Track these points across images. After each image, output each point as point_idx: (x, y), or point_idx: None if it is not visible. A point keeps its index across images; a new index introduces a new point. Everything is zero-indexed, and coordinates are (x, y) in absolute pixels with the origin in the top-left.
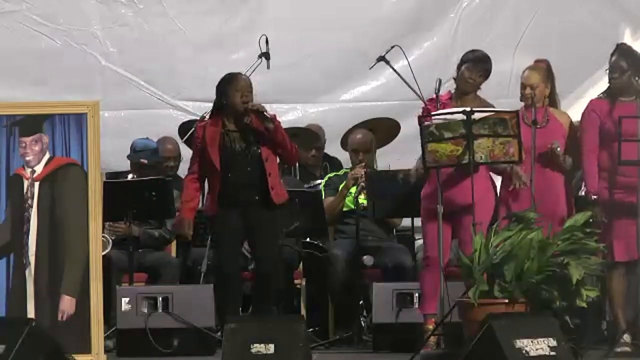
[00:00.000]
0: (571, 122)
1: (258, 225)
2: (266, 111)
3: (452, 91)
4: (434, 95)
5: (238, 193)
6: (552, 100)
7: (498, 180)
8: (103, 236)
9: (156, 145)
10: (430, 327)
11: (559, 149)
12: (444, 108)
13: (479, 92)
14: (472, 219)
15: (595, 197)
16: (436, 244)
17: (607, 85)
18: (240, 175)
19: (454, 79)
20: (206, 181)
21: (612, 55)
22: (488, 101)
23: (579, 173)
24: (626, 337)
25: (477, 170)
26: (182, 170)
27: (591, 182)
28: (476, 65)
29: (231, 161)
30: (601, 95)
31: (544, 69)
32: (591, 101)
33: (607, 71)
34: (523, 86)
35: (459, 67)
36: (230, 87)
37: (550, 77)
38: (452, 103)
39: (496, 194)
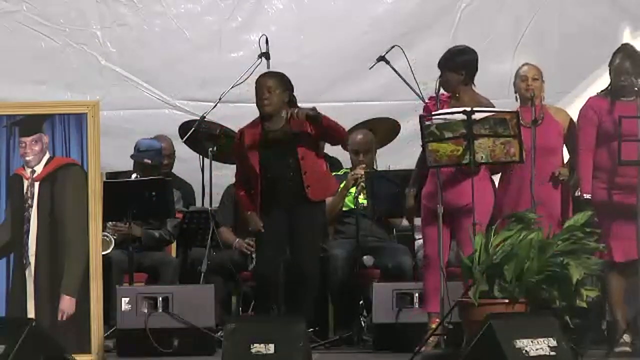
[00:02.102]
0: (570, 119)
1: (298, 226)
2: (298, 113)
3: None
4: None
5: (278, 193)
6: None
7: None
8: (106, 235)
9: (160, 146)
10: (434, 325)
11: (562, 178)
12: (443, 107)
13: (478, 90)
14: (472, 219)
15: (588, 197)
16: (434, 243)
17: (608, 84)
18: (278, 176)
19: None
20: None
21: (615, 55)
22: (485, 98)
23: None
24: (626, 337)
25: (478, 172)
26: (177, 168)
27: (585, 182)
28: (439, 66)
29: (270, 162)
30: (601, 93)
31: (539, 68)
32: (590, 99)
33: (610, 71)
34: (525, 78)
35: None
36: (255, 90)
37: (542, 79)
38: (450, 101)
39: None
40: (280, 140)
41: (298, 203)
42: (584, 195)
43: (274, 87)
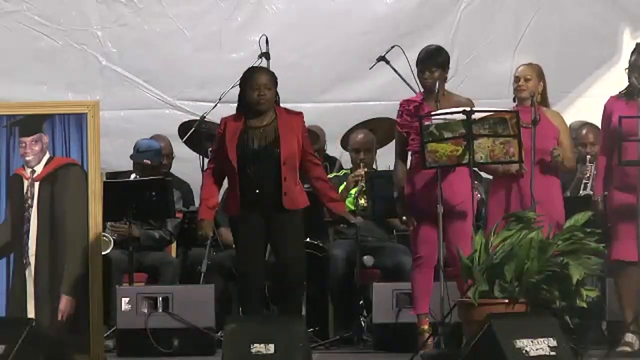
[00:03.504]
0: (564, 122)
1: (279, 228)
2: (348, 217)
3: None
4: (409, 97)
5: (257, 194)
6: (545, 103)
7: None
8: (105, 236)
9: (160, 146)
10: (425, 327)
11: (559, 157)
12: (415, 110)
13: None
14: (472, 220)
15: (599, 198)
16: (426, 244)
17: (627, 84)
18: (257, 176)
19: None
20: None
21: (632, 53)
22: (458, 97)
23: (577, 174)
24: (627, 337)
25: (454, 170)
26: (177, 168)
27: (597, 184)
28: (423, 63)
29: (249, 160)
30: (620, 93)
31: (537, 67)
32: (608, 99)
33: (627, 70)
34: (517, 79)
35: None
36: (247, 84)
37: (543, 79)
38: (425, 103)
39: (479, 193)
40: (264, 139)
41: (276, 208)
42: (595, 195)
43: (269, 84)
